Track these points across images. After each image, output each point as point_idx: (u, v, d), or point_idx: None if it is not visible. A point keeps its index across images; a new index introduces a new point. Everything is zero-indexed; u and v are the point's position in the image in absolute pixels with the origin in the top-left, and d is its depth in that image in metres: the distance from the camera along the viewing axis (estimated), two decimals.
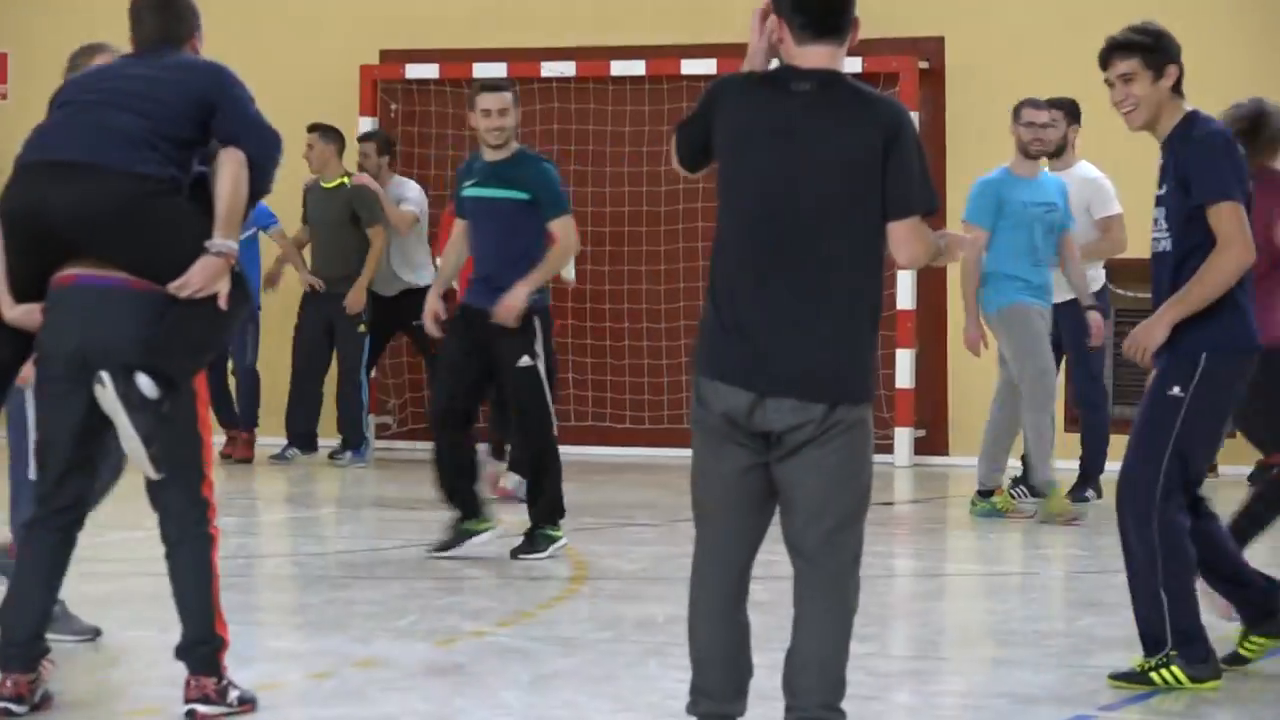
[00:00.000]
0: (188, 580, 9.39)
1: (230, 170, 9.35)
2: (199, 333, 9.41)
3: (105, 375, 9.05)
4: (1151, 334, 10.12)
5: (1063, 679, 10.82)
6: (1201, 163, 10.11)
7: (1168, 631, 10.07)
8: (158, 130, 9.35)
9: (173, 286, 9.18)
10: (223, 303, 9.30)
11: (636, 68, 21.09)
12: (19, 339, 9.57)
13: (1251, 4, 20.65)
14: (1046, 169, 16.16)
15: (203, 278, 9.17)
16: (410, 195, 20.04)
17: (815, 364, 8.20)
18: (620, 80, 21.26)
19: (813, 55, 8.30)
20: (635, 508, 17.52)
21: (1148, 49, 10.14)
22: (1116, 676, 10.21)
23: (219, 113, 9.38)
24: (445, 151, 21.48)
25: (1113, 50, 10.23)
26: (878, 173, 8.22)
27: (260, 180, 9.53)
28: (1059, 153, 16.17)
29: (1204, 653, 10.12)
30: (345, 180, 19.81)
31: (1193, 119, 10.21)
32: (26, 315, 9.46)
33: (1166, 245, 10.27)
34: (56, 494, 9.45)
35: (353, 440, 20.01)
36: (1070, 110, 16.25)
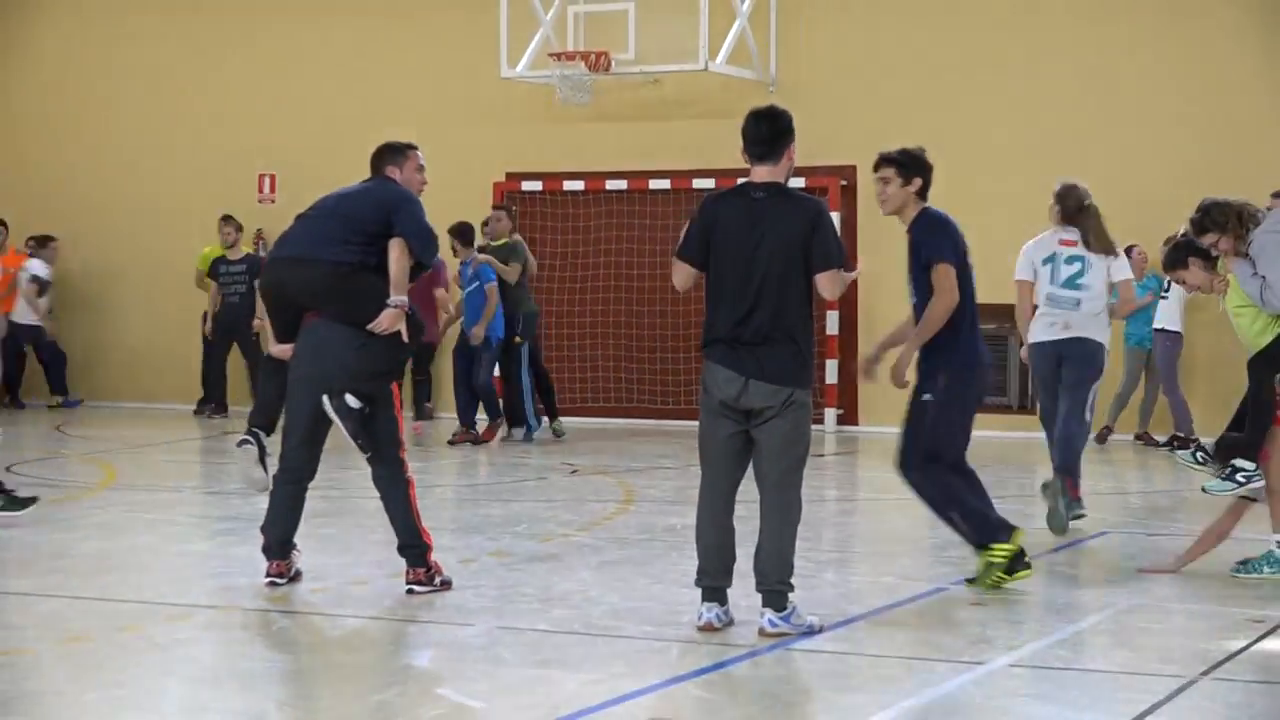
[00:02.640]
0: (397, 509, 9.59)
1: (396, 253, 9.45)
2: (387, 357, 9.56)
3: (325, 397, 9.38)
4: (901, 364, 10.02)
5: (930, 564, 10.93)
6: (927, 236, 9.98)
7: (971, 532, 9.94)
8: (351, 230, 9.51)
9: (370, 327, 9.41)
10: (405, 337, 9.51)
11: (664, 183, 20.84)
12: (285, 368, 9.73)
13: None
14: None
15: (388, 321, 9.41)
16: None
17: (780, 363, 8.58)
18: (655, 191, 21.00)
19: (760, 173, 8.80)
20: (662, 457, 17.32)
21: (901, 164, 10.03)
22: (970, 580, 9.96)
23: (395, 218, 9.49)
24: (550, 236, 21.52)
25: (879, 162, 10.11)
26: (809, 243, 8.60)
27: (423, 258, 9.60)
28: None
29: (1002, 535, 9.87)
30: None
31: (925, 211, 10.06)
32: (284, 352, 9.74)
33: (914, 300, 10.05)
34: (293, 456, 9.75)
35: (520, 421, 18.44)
36: None
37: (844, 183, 20.29)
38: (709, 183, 20.32)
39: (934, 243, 9.99)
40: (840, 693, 7.47)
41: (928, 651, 8.32)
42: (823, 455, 17.63)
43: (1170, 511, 13.86)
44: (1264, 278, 10.29)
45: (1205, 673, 7.81)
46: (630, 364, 21.36)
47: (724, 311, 8.70)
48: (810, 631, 8.62)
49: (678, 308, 20.99)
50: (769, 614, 8.64)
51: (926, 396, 9.98)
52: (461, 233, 18.15)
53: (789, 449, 8.67)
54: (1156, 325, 18.27)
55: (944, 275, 9.89)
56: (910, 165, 10.09)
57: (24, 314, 22.00)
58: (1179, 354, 18.25)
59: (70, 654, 8.17)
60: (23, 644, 8.37)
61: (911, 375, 10.11)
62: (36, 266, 22.07)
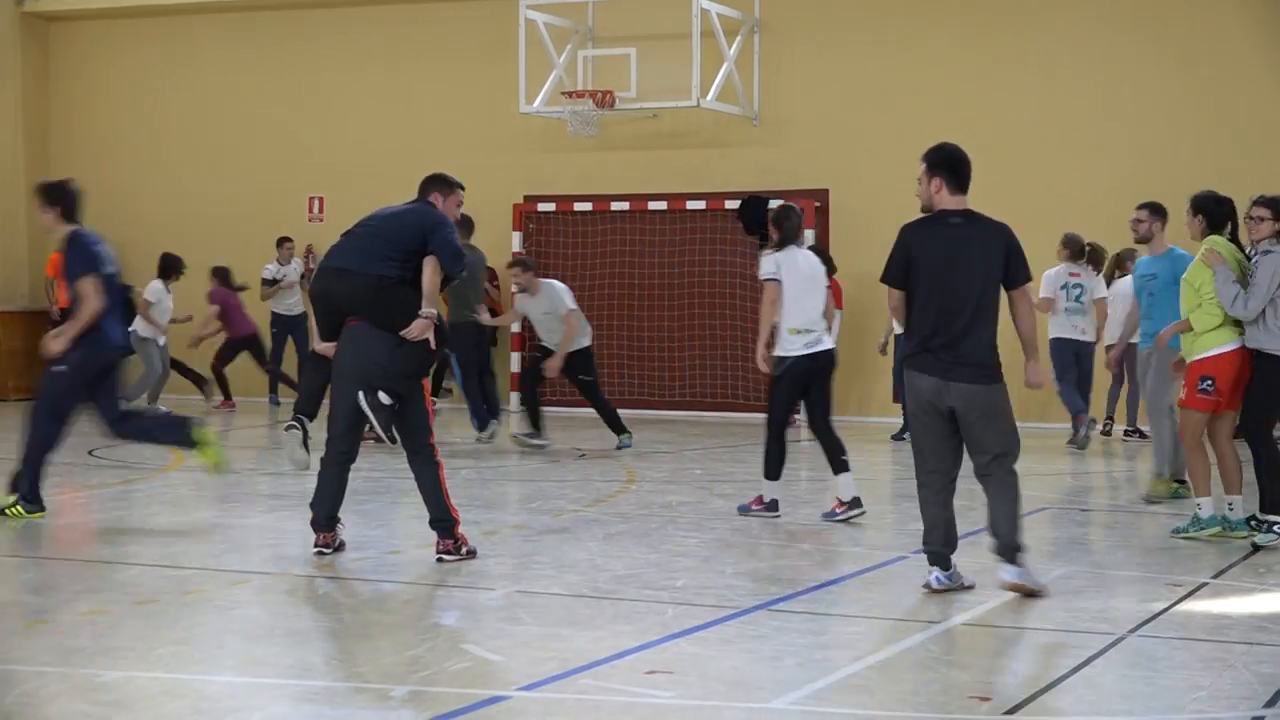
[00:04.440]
0: (428, 488, 9.58)
1: (430, 270, 9.43)
2: (418, 360, 9.50)
3: (360, 394, 9.38)
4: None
5: (894, 535, 10.79)
6: None
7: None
8: (392, 248, 9.48)
9: (403, 333, 9.40)
10: (432, 343, 9.49)
11: (662, 204, 20.74)
12: (328, 363, 9.73)
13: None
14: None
15: (419, 329, 9.39)
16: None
17: (979, 362, 8.43)
18: (654, 211, 20.87)
19: (954, 201, 8.56)
20: (660, 442, 17.19)
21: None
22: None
23: (431, 238, 9.46)
24: (562, 251, 21.39)
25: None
26: (1004, 264, 8.47)
27: (452, 273, 9.54)
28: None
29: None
30: None
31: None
32: (327, 349, 9.73)
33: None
34: (338, 441, 9.65)
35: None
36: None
37: (818, 204, 20.09)
38: (700, 204, 20.59)
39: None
40: (816, 649, 7.48)
41: (892, 612, 8.33)
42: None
43: (1102, 492, 13.86)
44: (1244, 290, 10.28)
45: (1133, 630, 7.84)
46: (631, 360, 21.30)
47: (930, 323, 8.52)
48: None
49: (673, 311, 20.98)
50: (1007, 568, 8.59)
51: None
52: None
53: (994, 439, 8.52)
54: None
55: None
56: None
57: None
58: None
59: (143, 613, 8.20)
60: (105, 605, 8.38)
61: None
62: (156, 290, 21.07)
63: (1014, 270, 8.59)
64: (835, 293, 14.02)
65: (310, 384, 10.11)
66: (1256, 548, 10.32)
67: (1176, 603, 8.57)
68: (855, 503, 11.38)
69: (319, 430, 10.05)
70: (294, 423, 10.06)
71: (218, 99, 23.53)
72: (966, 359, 8.50)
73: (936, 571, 8.75)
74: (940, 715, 6.20)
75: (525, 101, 20.47)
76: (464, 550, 9.68)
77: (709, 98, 19.90)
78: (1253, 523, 10.58)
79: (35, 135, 24.22)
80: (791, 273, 11.37)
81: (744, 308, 20.45)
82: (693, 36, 19.38)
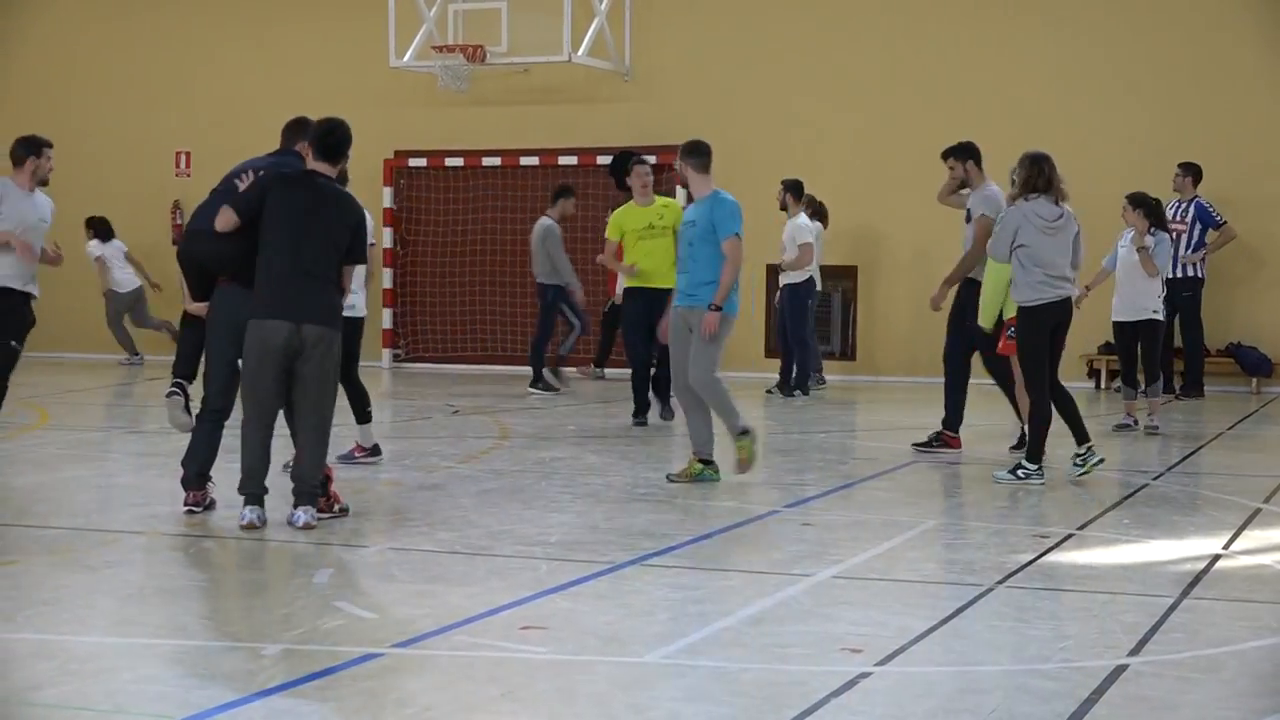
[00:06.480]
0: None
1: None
2: None
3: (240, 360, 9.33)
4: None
5: (765, 491, 10.91)
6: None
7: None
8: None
9: None
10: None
11: (533, 160, 20.86)
12: (202, 324, 9.56)
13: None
14: None
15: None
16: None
17: None
18: (525, 167, 21.00)
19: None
20: (532, 401, 17.17)
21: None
22: None
23: None
24: (434, 206, 21.57)
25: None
26: None
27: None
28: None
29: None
30: None
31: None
32: (200, 309, 9.56)
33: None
34: (212, 399, 9.57)
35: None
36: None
37: None
38: (572, 160, 20.61)
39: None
40: (689, 603, 7.48)
41: (765, 566, 8.38)
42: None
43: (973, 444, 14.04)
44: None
45: (1000, 581, 7.94)
46: (505, 316, 21.35)
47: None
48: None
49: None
50: None
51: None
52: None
53: None
54: None
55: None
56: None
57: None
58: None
59: (7, 574, 8.09)
60: None
61: None
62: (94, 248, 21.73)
63: None
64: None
65: (185, 346, 9.92)
66: (997, 480, 11.13)
67: (1042, 554, 8.65)
68: (376, 450, 12.01)
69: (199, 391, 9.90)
70: (174, 388, 9.93)
71: (79, 52, 23.20)
72: None
73: None
74: (814, 667, 6.25)
75: (395, 56, 20.37)
76: (336, 508, 9.59)
77: (580, 52, 19.88)
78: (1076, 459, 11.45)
79: None
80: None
81: None
82: None
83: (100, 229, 21.45)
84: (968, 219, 12.46)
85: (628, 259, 14.21)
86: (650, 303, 14.07)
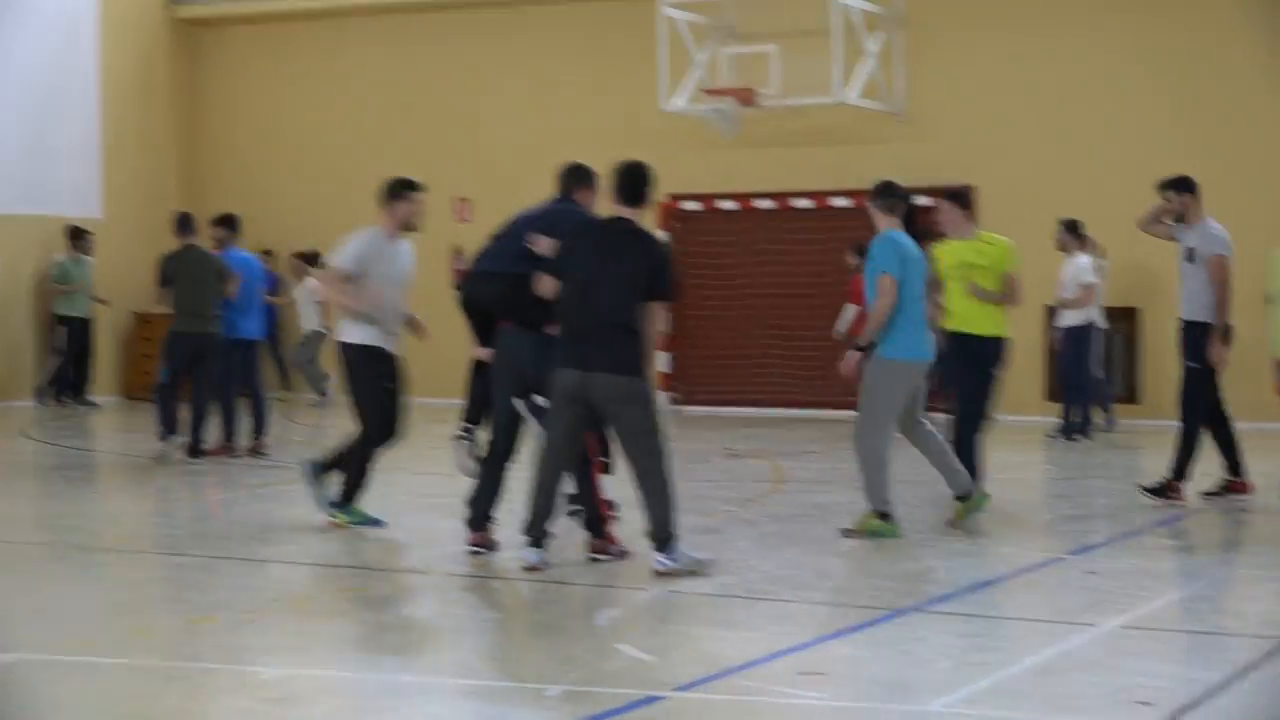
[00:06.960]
0: (583, 489, 9.57)
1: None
2: None
3: (517, 400, 9.50)
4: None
5: (1045, 537, 10.86)
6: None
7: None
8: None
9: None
10: None
11: (806, 202, 20.68)
12: (488, 369, 9.71)
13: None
14: None
15: None
16: None
17: None
18: (798, 209, 20.73)
19: None
20: (811, 441, 16.96)
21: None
22: None
23: None
24: (705, 248, 22.35)
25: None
26: None
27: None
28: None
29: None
30: None
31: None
32: (485, 354, 9.74)
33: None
34: (496, 442, 9.63)
35: None
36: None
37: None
38: (846, 201, 20.34)
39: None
40: (971, 651, 7.37)
41: (1048, 614, 8.23)
42: None
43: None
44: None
45: None
46: (779, 358, 21.22)
47: None
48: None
49: (820, 308, 20.51)
50: None
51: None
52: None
53: None
54: None
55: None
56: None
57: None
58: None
59: (300, 612, 8.32)
60: (263, 603, 8.52)
61: None
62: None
63: None
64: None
65: (473, 391, 10.09)
66: None
67: None
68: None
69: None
70: (462, 433, 10.11)
71: (365, 102, 23.80)
72: None
73: None
74: (1102, 719, 6.12)
75: (666, 99, 20.51)
76: (617, 550, 9.63)
77: (852, 94, 19.82)
78: None
79: (185, 140, 24.62)
80: None
81: None
82: (833, 31, 19.32)
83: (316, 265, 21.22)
84: (1188, 258, 12.05)
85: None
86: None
